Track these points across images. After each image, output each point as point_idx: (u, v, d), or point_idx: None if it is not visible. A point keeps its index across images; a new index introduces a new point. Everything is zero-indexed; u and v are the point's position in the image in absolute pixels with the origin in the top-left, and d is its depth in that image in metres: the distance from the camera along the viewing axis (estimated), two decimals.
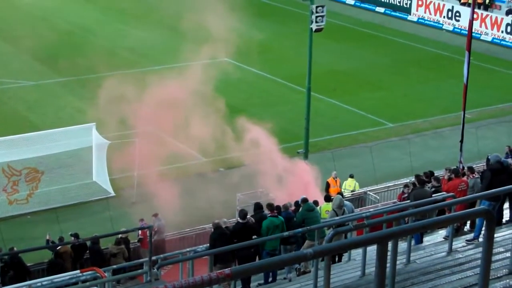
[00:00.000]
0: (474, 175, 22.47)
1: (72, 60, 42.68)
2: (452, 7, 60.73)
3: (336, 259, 20.02)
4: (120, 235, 24.43)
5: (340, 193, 24.98)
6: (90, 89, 40.53)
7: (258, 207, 21.01)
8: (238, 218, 20.00)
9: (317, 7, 30.93)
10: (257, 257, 19.81)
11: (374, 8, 66.10)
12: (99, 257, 23.94)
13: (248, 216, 19.77)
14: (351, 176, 30.99)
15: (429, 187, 22.13)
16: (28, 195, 31.14)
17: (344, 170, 31.57)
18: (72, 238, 24.35)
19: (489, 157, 21.45)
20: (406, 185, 26.45)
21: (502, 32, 57.20)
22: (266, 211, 20.46)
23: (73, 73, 42.08)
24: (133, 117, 37.35)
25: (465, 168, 24.28)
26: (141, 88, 40.62)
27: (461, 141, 27.65)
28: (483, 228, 14.36)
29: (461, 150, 27.68)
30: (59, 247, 23.52)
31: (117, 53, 47.28)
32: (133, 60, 46.62)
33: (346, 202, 24.07)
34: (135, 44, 51.01)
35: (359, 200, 30.97)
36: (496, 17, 57.65)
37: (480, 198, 16.97)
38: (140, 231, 25.77)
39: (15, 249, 22.86)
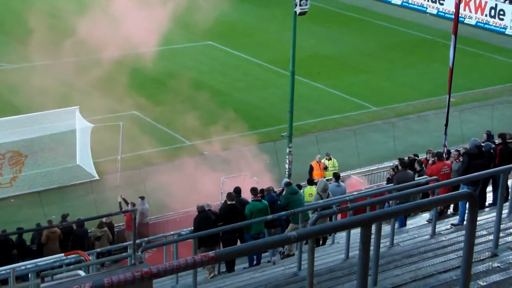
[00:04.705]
0: (460, 158, 22.56)
1: (56, 43, 42.41)
2: None
3: (320, 242, 20.10)
4: (104, 219, 24.41)
5: (337, 175, 24.75)
6: (74, 72, 40.37)
7: (235, 191, 20.98)
8: (227, 200, 19.99)
9: None
10: (240, 242, 19.84)
11: None
12: (83, 240, 23.92)
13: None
14: (327, 155, 31.08)
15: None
16: (12, 178, 31.06)
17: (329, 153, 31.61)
18: (61, 218, 24.50)
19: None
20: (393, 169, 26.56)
21: (486, 15, 57.33)
22: (250, 195, 20.49)
23: (56, 56, 41.83)
24: (117, 100, 37.31)
25: (452, 151, 24.38)
26: (125, 72, 40.49)
27: (446, 125, 27.73)
28: (466, 212, 14.50)
29: (445, 133, 27.75)
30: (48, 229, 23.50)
31: (101, 36, 47.04)
32: (116, 43, 46.42)
33: (341, 183, 24.17)
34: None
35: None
36: (480, 1, 57.73)
37: (459, 182, 17.07)
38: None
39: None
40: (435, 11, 60.56)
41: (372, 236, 9.40)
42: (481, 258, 10.90)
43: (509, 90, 44.97)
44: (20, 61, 44.38)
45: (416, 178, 20.42)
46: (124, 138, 32.47)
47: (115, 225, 26.24)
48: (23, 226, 24.59)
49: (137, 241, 18.08)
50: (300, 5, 30.19)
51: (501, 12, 56.62)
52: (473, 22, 57.54)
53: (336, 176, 24.30)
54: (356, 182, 29.80)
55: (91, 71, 40.06)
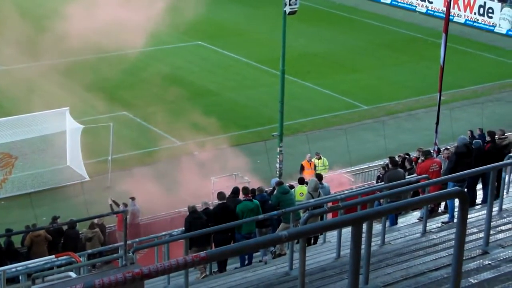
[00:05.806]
0: None
1: (45, 44, 42.36)
2: None
3: (312, 241, 20.10)
4: (95, 220, 24.34)
5: (319, 176, 24.73)
6: (63, 73, 40.31)
7: (232, 191, 20.98)
8: (218, 200, 19.99)
9: None
10: (232, 242, 19.82)
11: None
12: (75, 241, 23.85)
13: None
14: (317, 154, 31.09)
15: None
16: (2, 180, 30.95)
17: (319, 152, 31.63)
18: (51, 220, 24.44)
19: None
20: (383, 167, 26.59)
21: (475, 13, 57.47)
22: (241, 195, 20.48)
23: (45, 57, 41.76)
24: (107, 101, 37.24)
25: (442, 149, 24.42)
26: (114, 72, 40.41)
27: (437, 123, 27.75)
28: (456, 210, 14.52)
29: (436, 131, 27.79)
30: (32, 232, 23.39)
31: (90, 37, 47.02)
32: (106, 44, 46.40)
33: (325, 184, 24.12)
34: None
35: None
36: None
37: (446, 181, 17.09)
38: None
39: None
40: (424, 10, 60.67)
41: (363, 235, 9.39)
42: (472, 255, 10.91)
43: (498, 87, 45.10)
44: (9, 63, 44.22)
45: (406, 177, 20.44)
46: (115, 139, 32.40)
47: (107, 226, 26.17)
48: (14, 228, 24.48)
49: (128, 242, 18.06)
50: (290, 4, 30.20)
51: (490, 10, 56.77)
52: (462, 20, 57.65)
53: (319, 177, 24.15)
54: (338, 177, 29.85)
55: (81, 72, 39.99)
